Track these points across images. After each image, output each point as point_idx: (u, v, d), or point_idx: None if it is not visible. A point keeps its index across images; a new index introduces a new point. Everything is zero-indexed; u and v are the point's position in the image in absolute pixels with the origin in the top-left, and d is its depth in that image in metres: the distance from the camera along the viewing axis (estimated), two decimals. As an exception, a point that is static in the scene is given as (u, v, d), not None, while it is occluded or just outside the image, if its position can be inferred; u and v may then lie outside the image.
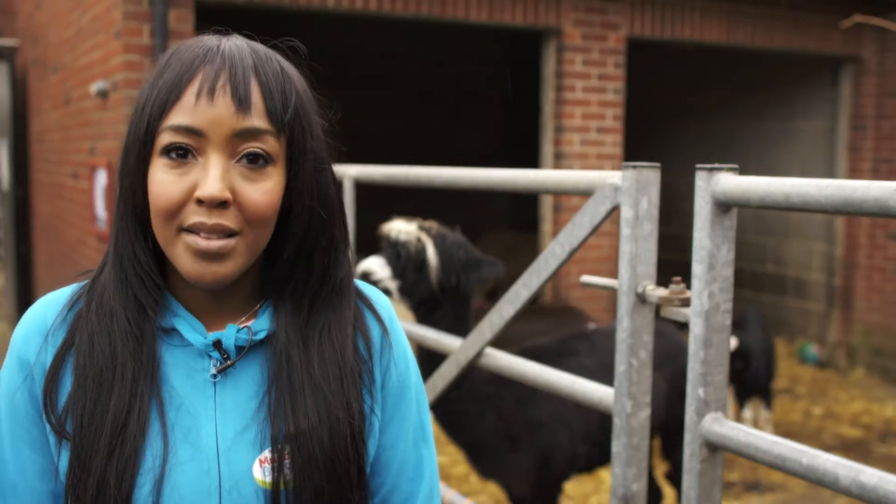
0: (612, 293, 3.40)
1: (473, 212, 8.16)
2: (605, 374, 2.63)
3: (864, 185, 1.40)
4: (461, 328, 2.90)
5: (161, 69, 1.06)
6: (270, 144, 1.04)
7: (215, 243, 1.02)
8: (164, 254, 1.07)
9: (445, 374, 2.52)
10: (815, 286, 8.00)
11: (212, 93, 1.01)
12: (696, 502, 1.73)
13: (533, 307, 5.28)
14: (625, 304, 1.88)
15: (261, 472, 1.06)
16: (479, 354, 2.41)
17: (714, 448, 1.72)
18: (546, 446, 3.16)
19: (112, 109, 5.24)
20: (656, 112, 9.25)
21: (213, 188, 1.00)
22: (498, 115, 11.14)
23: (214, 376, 1.09)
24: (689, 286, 1.76)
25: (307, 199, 1.09)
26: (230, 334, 1.10)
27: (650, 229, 1.87)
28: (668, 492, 4.21)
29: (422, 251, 3.00)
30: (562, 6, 5.98)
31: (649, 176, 1.87)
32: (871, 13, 6.56)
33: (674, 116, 9.26)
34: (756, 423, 5.77)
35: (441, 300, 3.02)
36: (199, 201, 1.01)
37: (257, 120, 1.03)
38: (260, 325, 1.12)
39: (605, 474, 4.91)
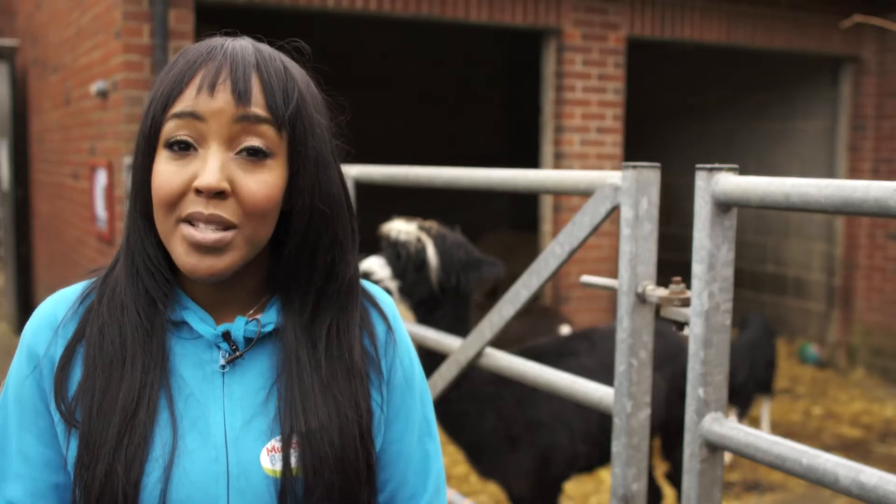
0: (612, 293, 3.40)
1: (473, 212, 8.16)
2: (605, 374, 2.63)
3: (864, 185, 1.40)
4: (461, 328, 2.90)
5: (168, 68, 1.09)
6: (270, 137, 1.05)
7: (210, 236, 1.03)
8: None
9: (445, 374, 2.52)
10: (815, 286, 8.00)
11: (212, 87, 1.03)
12: (696, 502, 1.73)
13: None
14: (625, 304, 1.88)
15: (268, 461, 1.08)
16: (479, 354, 2.41)
17: (714, 448, 1.72)
18: (546, 446, 3.16)
19: (112, 109, 5.24)
20: (656, 112, 9.25)
21: (211, 178, 1.01)
22: (498, 115, 11.14)
23: (223, 367, 1.11)
24: (689, 286, 1.76)
25: (308, 198, 1.10)
26: (239, 326, 1.12)
27: (650, 229, 1.87)
28: (668, 492, 4.21)
29: (422, 251, 3.00)
30: (562, 6, 5.98)
31: (649, 176, 1.87)
32: (871, 13, 6.56)
33: (674, 116, 9.26)
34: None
35: (441, 300, 3.02)
36: (198, 191, 1.02)
37: (257, 109, 1.04)
38: (268, 317, 1.14)
39: (605, 474, 4.91)
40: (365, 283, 1.25)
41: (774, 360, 5.81)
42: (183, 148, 1.04)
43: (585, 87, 6.11)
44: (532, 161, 6.51)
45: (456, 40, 9.45)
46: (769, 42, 6.94)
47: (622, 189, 1.89)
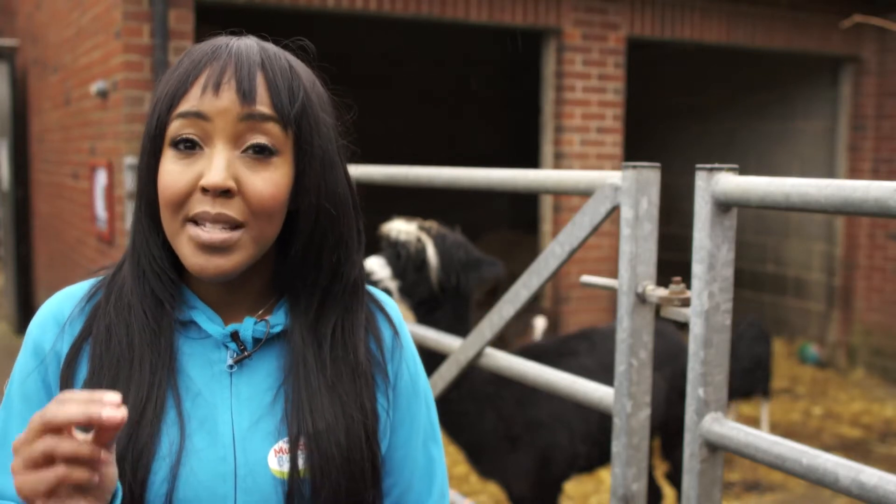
0: (612, 293, 3.40)
1: (473, 212, 8.16)
2: (605, 374, 2.63)
3: (864, 185, 1.40)
4: (461, 328, 2.90)
5: (173, 68, 1.09)
6: (276, 136, 1.05)
7: (217, 236, 1.03)
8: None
9: (445, 374, 2.52)
10: (815, 286, 8.00)
11: (217, 86, 1.03)
12: (696, 502, 1.73)
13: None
14: (625, 304, 1.88)
15: (276, 462, 1.08)
16: (479, 354, 2.41)
17: (714, 448, 1.72)
18: (546, 446, 3.17)
19: (112, 109, 5.24)
20: (656, 112, 9.25)
21: (217, 176, 1.01)
22: (498, 115, 11.14)
23: (231, 367, 1.11)
24: (689, 286, 1.76)
25: (314, 197, 1.09)
26: (248, 326, 1.11)
27: (650, 229, 1.87)
28: (668, 492, 4.21)
29: (422, 251, 3.00)
30: (562, 6, 5.98)
31: (649, 176, 1.87)
32: (871, 13, 6.56)
33: (674, 116, 9.26)
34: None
35: (441, 300, 3.02)
36: (204, 190, 1.02)
37: (262, 108, 1.04)
38: (277, 319, 1.14)
39: (605, 474, 4.91)
40: (370, 288, 1.25)
41: (769, 363, 5.81)
42: (189, 147, 1.04)
43: (585, 87, 6.11)
44: (532, 161, 6.51)
45: (456, 40, 9.45)
46: (769, 42, 6.94)
47: (622, 189, 1.89)
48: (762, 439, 1.60)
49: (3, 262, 9.93)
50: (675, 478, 3.72)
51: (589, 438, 3.21)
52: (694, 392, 1.71)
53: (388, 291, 2.99)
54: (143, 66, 4.91)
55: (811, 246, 8.02)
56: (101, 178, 5.56)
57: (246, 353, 1.11)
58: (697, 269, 1.68)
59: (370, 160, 2.36)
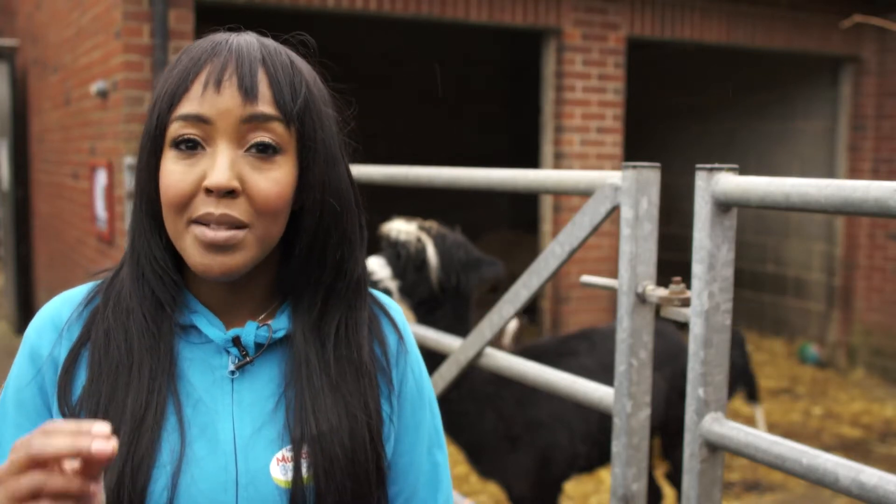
0: (612, 293, 3.41)
1: (473, 212, 8.15)
2: (605, 374, 2.63)
3: (864, 185, 1.40)
4: (461, 328, 2.90)
5: (172, 66, 1.07)
6: (279, 134, 1.03)
7: (222, 234, 1.01)
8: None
9: (445, 374, 2.52)
10: (815, 286, 8.00)
11: (218, 84, 1.01)
12: (696, 502, 1.73)
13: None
14: (625, 304, 1.88)
15: (278, 471, 1.06)
16: (479, 354, 2.41)
17: (714, 448, 1.72)
18: (546, 446, 3.16)
19: (112, 109, 5.24)
20: (656, 112, 9.25)
21: (220, 177, 0.99)
22: (498, 115, 11.14)
23: (233, 373, 1.09)
24: (689, 286, 1.76)
25: (318, 194, 1.08)
26: (250, 331, 1.09)
27: (650, 229, 1.87)
28: (668, 492, 4.21)
29: (422, 251, 3.00)
30: (562, 6, 5.98)
31: (649, 176, 1.87)
32: (871, 13, 6.56)
33: (674, 116, 9.26)
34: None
35: (441, 300, 3.02)
36: (208, 191, 1.00)
37: (265, 107, 1.02)
38: (280, 323, 1.12)
39: (605, 474, 4.91)
40: (374, 292, 1.24)
41: (748, 367, 5.69)
42: (190, 147, 1.02)
43: (585, 87, 6.11)
44: (532, 161, 6.51)
45: (456, 40, 9.45)
46: (769, 42, 6.94)
47: (622, 189, 1.89)
48: (762, 439, 1.60)
49: (3, 262, 9.93)
50: (675, 478, 3.72)
51: (589, 438, 3.21)
52: (694, 392, 1.71)
53: (388, 291, 2.99)
54: (143, 66, 4.91)
55: (811, 246, 8.02)
56: (101, 178, 5.56)
57: (248, 359, 1.09)
58: (697, 269, 1.68)
59: (370, 160, 2.36)
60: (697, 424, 1.71)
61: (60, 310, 1.11)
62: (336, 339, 1.11)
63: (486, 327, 2.35)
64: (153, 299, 1.08)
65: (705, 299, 1.67)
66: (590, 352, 3.30)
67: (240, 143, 1.02)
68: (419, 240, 3.02)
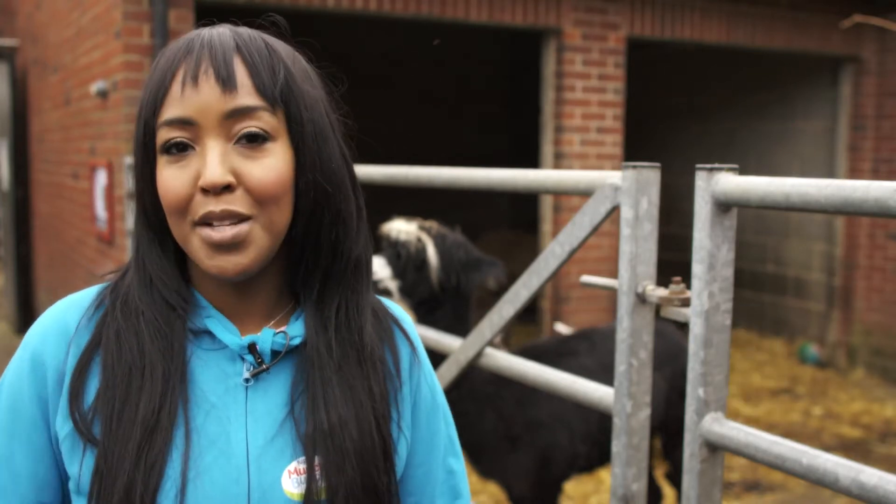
0: (612, 293, 3.41)
1: (473, 212, 8.16)
2: (605, 374, 2.63)
3: (864, 185, 1.40)
4: (461, 328, 2.90)
5: (152, 70, 1.06)
6: (266, 121, 1.01)
7: (228, 232, 0.99)
8: (185, 253, 1.06)
9: (445, 374, 2.52)
10: (815, 286, 8.00)
11: (195, 79, 0.99)
12: (696, 502, 1.73)
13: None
14: (625, 304, 1.88)
15: (290, 484, 1.03)
16: (479, 354, 2.41)
17: (714, 448, 1.72)
18: (546, 446, 3.16)
19: (112, 109, 5.24)
20: (656, 112, 9.25)
21: (213, 174, 0.98)
22: (498, 115, 11.14)
23: (247, 381, 1.06)
24: (689, 286, 1.76)
25: (310, 174, 1.05)
26: (267, 337, 1.06)
27: (650, 229, 1.87)
28: (668, 492, 4.21)
29: (422, 251, 3.00)
30: (562, 6, 5.98)
31: (649, 176, 1.87)
32: (871, 13, 6.56)
33: (674, 116, 9.26)
34: None
35: (441, 300, 3.02)
36: (205, 190, 0.99)
37: (246, 98, 1.00)
38: (296, 329, 1.09)
39: (605, 474, 4.91)
40: (385, 301, 1.22)
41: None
42: (180, 149, 1.00)
43: (585, 87, 6.11)
44: (532, 161, 6.51)
45: (456, 40, 9.45)
46: (769, 42, 6.94)
47: (622, 189, 1.89)
48: (762, 439, 1.60)
49: (3, 262, 9.93)
50: (675, 478, 3.72)
51: (589, 438, 3.21)
52: (694, 392, 1.71)
53: (388, 291, 2.99)
54: (143, 66, 4.91)
55: (811, 246, 8.02)
56: (101, 178, 5.56)
57: (264, 367, 1.06)
58: (697, 269, 1.68)
59: (370, 160, 2.36)
60: (697, 424, 1.71)
61: (67, 316, 1.07)
62: (337, 323, 1.09)
63: (486, 327, 2.35)
64: (163, 302, 1.06)
65: (705, 299, 1.67)
66: (590, 352, 3.30)
67: (228, 136, 1.00)
68: (419, 240, 3.02)
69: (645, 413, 1.91)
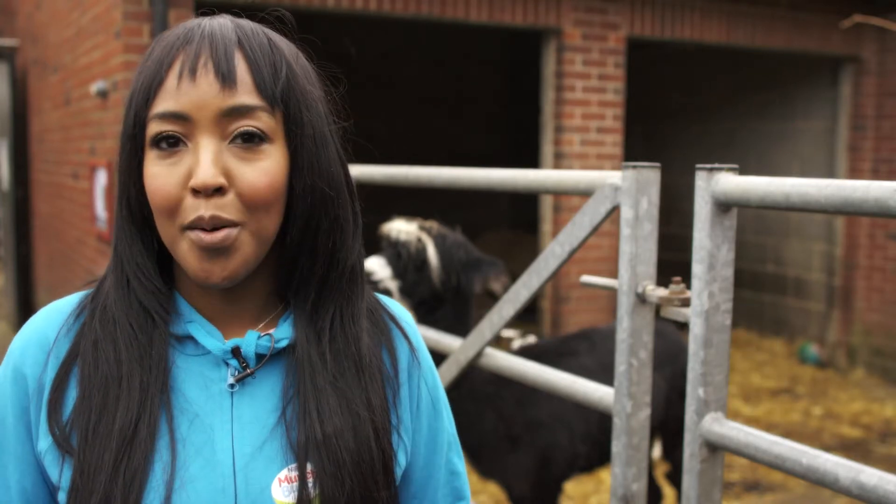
0: (612, 293, 3.41)
1: (473, 212, 8.17)
2: (605, 374, 2.63)
3: (864, 185, 1.40)
4: (461, 328, 2.90)
5: (145, 58, 1.00)
6: (264, 121, 0.96)
7: (219, 234, 0.94)
8: (169, 254, 1.01)
9: (445, 374, 2.52)
10: (815, 286, 8.00)
11: (193, 72, 0.94)
12: (696, 502, 1.73)
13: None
14: (625, 304, 1.88)
15: (281, 493, 0.99)
16: (479, 354, 2.41)
17: (714, 448, 1.72)
18: (546, 446, 3.16)
19: (112, 109, 5.24)
20: (656, 112, 9.25)
21: (205, 174, 0.92)
22: (498, 115, 11.15)
23: (232, 386, 1.02)
24: (689, 286, 1.76)
25: (308, 177, 1.00)
26: (250, 341, 1.02)
27: (650, 229, 1.87)
28: (668, 492, 4.21)
29: (422, 251, 3.00)
30: (562, 6, 5.99)
31: (649, 176, 1.87)
32: (871, 13, 6.56)
33: (674, 116, 9.26)
34: None
35: (441, 300, 3.02)
36: (195, 191, 0.94)
37: (246, 96, 0.95)
38: (282, 332, 1.04)
39: (605, 474, 4.91)
40: (384, 299, 1.19)
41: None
42: (171, 144, 0.95)
43: (585, 87, 6.11)
44: (532, 161, 6.51)
45: (456, 40, 9.46)
46: (769, 42, 6.94)
47: (622, 189, 1.89)
48: (762, 439, 1.60)
49: (3, 262, 9.93)
50: (675, 478, 3.72)
51: (589, 438, 3.21)
52: (694, 392, 1.71)
53: (388, 291, 2.99)
54: (143, 66, 4.90)
55: (811, 246, 8.02)
56: (101, 178, 5.56)
57: (248, 371, 1.02)
58: (697, 269, 1.68)
59: (370, 160, 2.36)
60: (697, 424, 1.71)
61: (47, 325, 1.04)
62: (332, 333, 1.05)
63: (486, 327, 2.35)
64: (140, 308, 1.01)
65: (705, 299, 1.67)
66: (590, 352, 3.30)
67: (223, 135, 0.95)
68: (419, 240, 3.02)
69: (645, 413, 1.91)
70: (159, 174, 0.96)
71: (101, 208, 5.64)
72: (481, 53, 10.50)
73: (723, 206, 1.65)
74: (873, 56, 7.43)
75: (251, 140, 0.96)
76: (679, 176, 6.24)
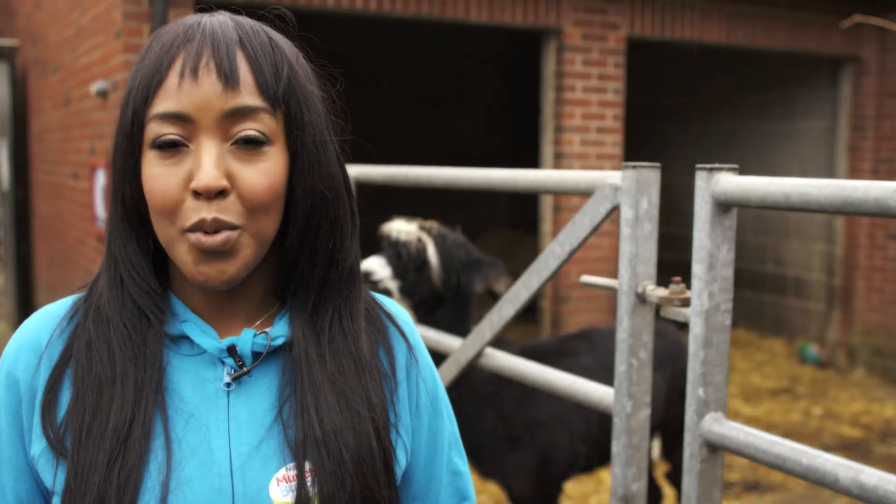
0: (612, 293, 3.41)
1: (473, 212, 8.16)
2: (605, 374, 2.63)
3: (864, 185, 1.39)
4: (461, 328, 2.90)
5: (143, 55, 0.99)
6: (266, 123, 0.96)
7: (219, 237, 0.94)
8: (165, 254, 1.01)
9: (445, 374, 2.52)
10: (815, 286, 8.00)
11: (195, 72, 0.93)
12: (696, 502, 1.73)
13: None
14: (625, 304, 1.88)
15: (279, 492, 0.98)
16: (479, 354, 2.41)
17: (714, 448, 1.72)
18: (546, 446, 3.17)
19: (112, 109, 5.24)
20: (656, 112, 9.25)
21: (207, 176, 0.92)
22: (498, 115, 11.15)
23: (228, 385, 1.01)
24: (689, 286, 1.76)
25: (309, 179, 0.99)
26: (246, 339, 1.02)
27: (650, 229, 1.87)
28: (668, 492, 4.21)
29: (422, 251, 3.00)
30: (562, 6, 5.98)
31: (649, 176, 1.87)
32: (871, 13, 6.56)
33: (674, 116, 9.26)
34: None
35: (441, 300, 3.02)
36: (196, 193, 0.93)
37: (248, 97, 0.95)
38: (278, 330, 1.04)
39: (605, 474, 4.91)
40: (381, 298, 1.18)
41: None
42: (172, 145, 0.94)
43: (585, 87, 6.11)
44: (532, 161, 6.51)
45: (456, 40, 9.46)
46: (769, 42, 6.94)
47: (622, 189, 1.88)
48: (762, 439, 1.60)
49: (3, 262, 9.93)
50: (675, 478, 3.72)
51: (589, 438, 3.21)
52: (694, 392, 1.71)
53: (388, 291, 2.99)
54: (143, 66, 4.91)
55: (811, 246, 8.02)
56: (101, 178, 5.57)
57: (244, 370, 1.01)
58: (697, 269, 1.68)
59: (370, 160, 2.36)
60: (697, 424, 1.71)
61: (40, 329, 1.03)
62: (331, 333, 1.04)
63: (486, 327, 2.35)
64: (134, 308, 1.00)
65: (705, 299, 1.67)
66: (590, 352, 3.30)
67: (225, 136, 0.95)
68: (420, 240, 3.02)
69: (645, 413, 1.91)
70: (159, 175, 0.94)
71: (100, 208, 5.64)
72: (481, 53, 10.50)
73: (723, 206, 1.65)
74: (873, 56, 7.43)
75: (252, 143, 0.95)
76: (679, 176, 6.23)
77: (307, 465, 0.98)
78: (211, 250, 0.94)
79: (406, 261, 3.01)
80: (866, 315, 7.66)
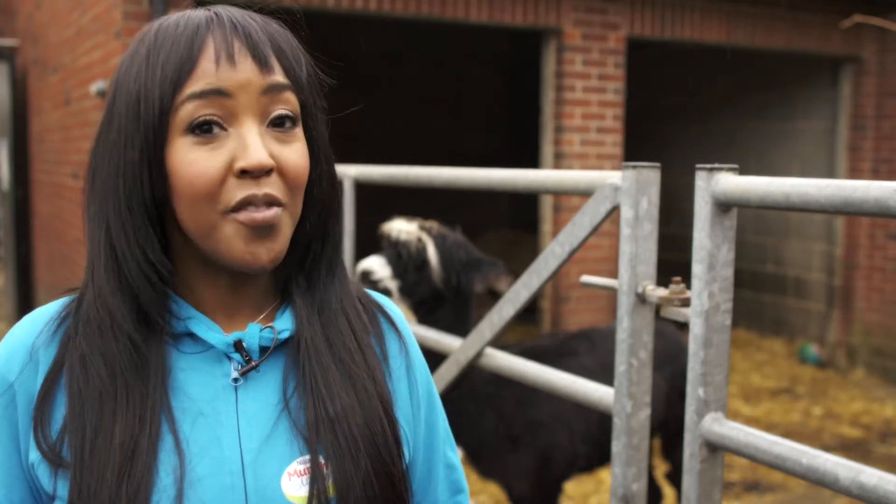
0: (612, 293, 3.41)
1: (473, 212, 8.16)
2: (605, 374, 2.63)
3: (864, 185, 1.39)
4: (461, 328, 2.90)
5: (147, 52, 0.96)
6: (293, 104, 0.99)
7: (271, 211, 0.94)
8: (164, 251, 0.98)
9: (445, 374, 2.52)
10: (815, 286, 8.00)
11: (231, 58, 0.94)
12: (696, 502, 1.73)
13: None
14: (625, 304, 1.88)
15: (291, 487, 0.97)
16: (479, 354, 2.41)
17: (714, 448, 1.72)
18: (546, 446, 3.17)
19: (112, 109, 5.24)
20: (656, 112, 9.25)
21: (258, 155, 0.93)
22: (498, 115, 11.15)
23: (236, 380, 1.00)
24: (689, 286, 1.76)
25: (324, 163, 1.03)
26: (253, 333, 1.01)
27: (650, 229, 1.87)
28: (668, 492, 4.21)
29: (422, 251, 3.00)
30: (562, 6, 5.98)
31: (649, 176, 1.87)
32: (871, 13, 6.56)
33: (674, 116, 9.26)
34: None
35: (441, 300, 3.02)
36: (243, 172, 0.93)
37: (280, 76, 0.97)
38: (283, 323, 1.04)
39: (605, 474, 4.91)
40: (374, 294, 1.18)
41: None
42: (207, 130, 0.93)
43: (585, 87, 6.11)
44: (532, 161, 6.51)
45: (456, 40, 9.46)
46: (769, 42, 6.94)
47: (622, 189, 1.88)
48: (762, 439, 1.60)
49: (3, 262, 9.93)
50: (675, 478, 3.72)
51: (589, 438, 3.21)
52: (694, 392, 1.71)
53: (388, 291, 2.99)
54: (143, 66, 4.90)
55: (811, 246, 8.02)
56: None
57: (252, 364, 1.00)
58: (697, 269, 1.68)
59: (370, 160, 2.36)
60: (697, 424, 1.71)
61: (30, 332, 1.01)
62: (335, 316, 1.06)
63: (486, 327, 2.35)
64: (138, 311, 0.97)
65: (705, 299, 1.67)
66: (590, 352, 3.30)
67: (262, 116, 0.96)
68: (420, 240, 3.02)
69: (645, 413, 1.91)
70: (198, 160, 0.93)
71: (101, 208, 5.63)
72: (481, 53, 10.50)
73: (723, 206, 1.65)
74: (873, 56, 7.43)
75: (285, 123, 0.98)
76: (679, 176, 6.23)
77: (321, 458, 0.97)
78: (263, 225, 0.94)
79: (406, 261, 3.01)
80: (866, 315, 7.66)
